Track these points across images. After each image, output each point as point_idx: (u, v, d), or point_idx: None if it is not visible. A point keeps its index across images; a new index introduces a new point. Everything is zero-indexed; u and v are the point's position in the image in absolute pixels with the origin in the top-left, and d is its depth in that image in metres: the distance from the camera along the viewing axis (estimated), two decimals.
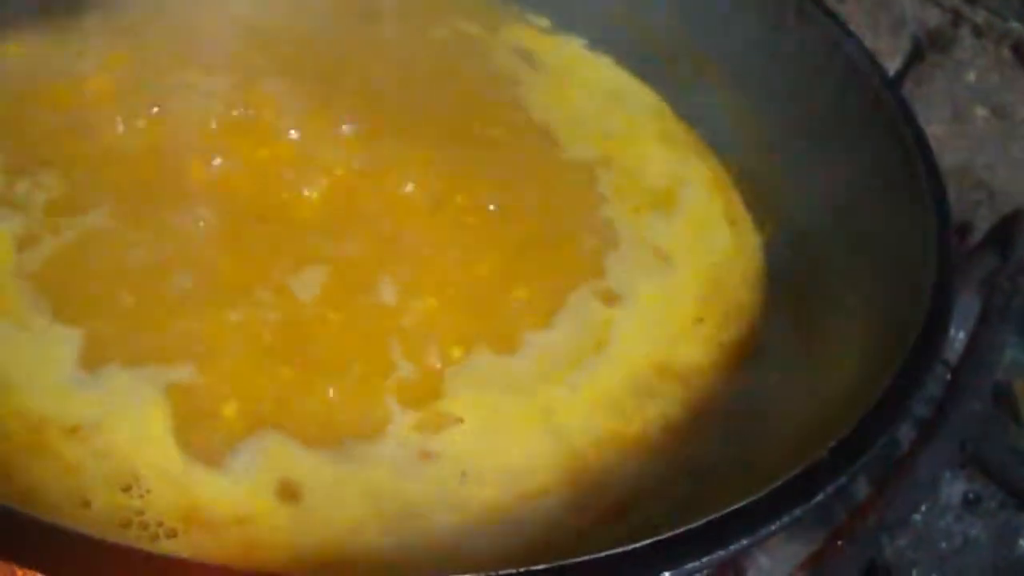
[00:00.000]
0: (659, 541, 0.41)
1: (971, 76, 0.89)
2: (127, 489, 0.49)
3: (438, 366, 0.57)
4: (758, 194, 0.70)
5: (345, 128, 0.65)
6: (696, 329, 0.63)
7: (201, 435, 0.53)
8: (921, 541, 0.95)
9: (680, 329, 0.63)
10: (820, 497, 0.45)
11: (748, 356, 0.62)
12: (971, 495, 0.96)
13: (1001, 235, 0.90)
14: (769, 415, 0.58)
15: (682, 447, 0.57)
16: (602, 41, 0.79)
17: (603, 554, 0.40)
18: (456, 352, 0.58)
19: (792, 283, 0.66)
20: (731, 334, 0.63)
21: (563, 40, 0.79)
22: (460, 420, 0.56)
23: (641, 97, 0.76)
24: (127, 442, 0.52)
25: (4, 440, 0.50)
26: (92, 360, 0.55)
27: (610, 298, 0.63)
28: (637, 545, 0.41)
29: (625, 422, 0.58)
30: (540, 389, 0.58)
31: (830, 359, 0.58)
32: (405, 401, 0.56)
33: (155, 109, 0.65)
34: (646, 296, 0.64)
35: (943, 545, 0.94)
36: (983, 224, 0.97)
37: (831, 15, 0.71)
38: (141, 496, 0.49)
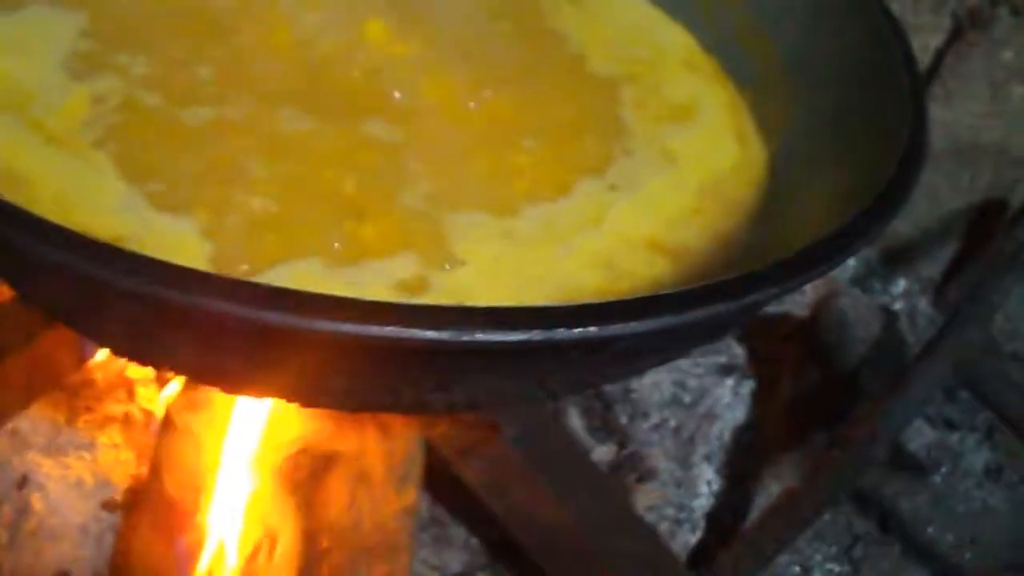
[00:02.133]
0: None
1: (1008, 55, 0.96)
2: None
3: (444, 220, 0.66)
4: (768, 114, 0.79)
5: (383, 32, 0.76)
6: (693, 218, 0.71)
7: (234, 257, 0.63)
8: (939, 501, 1.01)
9: (677, 215, 0.70)
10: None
11: (741, 247, 0.70)
12: (993, 465, 1.02)
13: None
14: None
15: None
16: None
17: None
18: (461, 209, 0.67)
19: (788, 191, 0.73)
20: (726, 226, 0.71)
21: None
22: (463, 262, 0.64)
23: (671, 32, 0.84)
24: (167, 257, 0.62)
25: None
26: (143, 196, 0.64)
27: (614, 186, 0.71)
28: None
29: (616, 281, 0.66)
30: (538, 245, 0.66)
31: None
32: (411, 242, 0.64)
33: None
34: (648, 186, 0.71)
35: (961, 508, 1.01)
36: (1019, 201, 1.04)
37: None
38: None
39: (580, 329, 0.48)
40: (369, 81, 0.73)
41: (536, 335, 0.48)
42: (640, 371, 0.90)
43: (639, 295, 0.64)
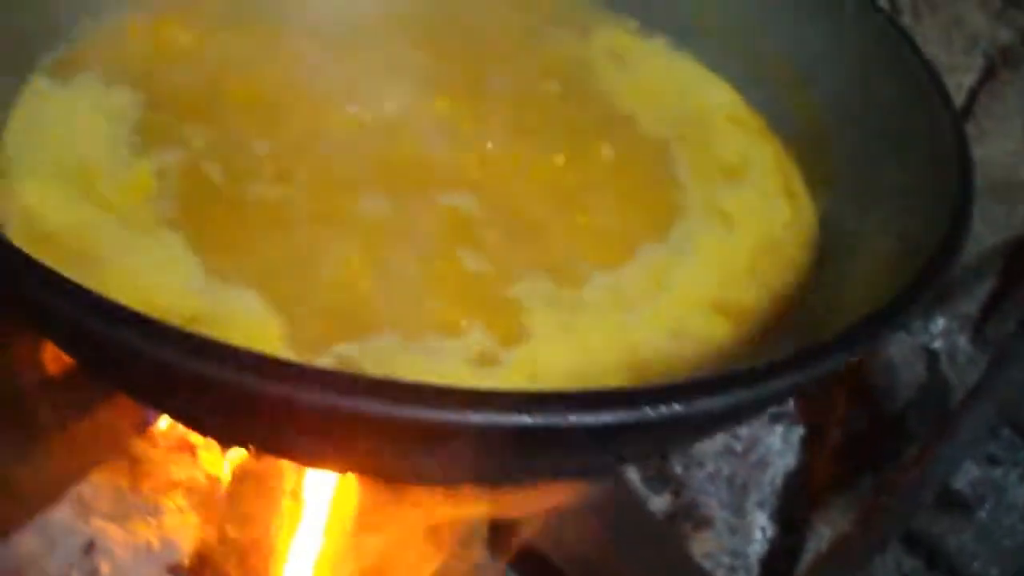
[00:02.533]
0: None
1: None
2: None
3: (514, 290, 0.68)
4: (815, 171, 0.81)
5: (442, 103, 0.78)
6: (749, 278, 0.73)
7: (309, 333, 0.64)
8: (984, 536, 1.03)
9: (734, 276, 0.72)
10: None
11: (797, 304, 0.72)
12: None
13: None
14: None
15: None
16: (684, 40, 0.90)
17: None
18: (530, 278, 0.69)
19: (839, 246, 0.76)
20: (782, 284, 0.73)
21: (648, 41, 0.90)
22: (532, 334, 0.66)
23: (716, 89, 0.87)
24: (241, 336, 0.62)
25: None
26: (214, 273, 0.66)
27: (674, 248, 0.73)
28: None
29: (681, 345, 0.68)
30: (604, 313, 0.68)
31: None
32: (482, 315, 0.66)
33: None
34: (706, 248, 0.74)
35: (1006, 542, 1.02)
36: None
37: (890, 19, 0.81)
38: None
39: (667, 408, 0.50)
40: (428, 154, 0.74)
41: (625, 416, 0.50)
42: (712, 435, 0.92)
43: (705, 360, 0.66)
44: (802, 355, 0.55)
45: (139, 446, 0.87)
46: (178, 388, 0.54)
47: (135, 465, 0.86)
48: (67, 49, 0.78)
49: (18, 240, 0.55)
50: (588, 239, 0.71)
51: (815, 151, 0.80)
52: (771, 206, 0.77)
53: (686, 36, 0.89)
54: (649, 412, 0.50)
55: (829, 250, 0.75)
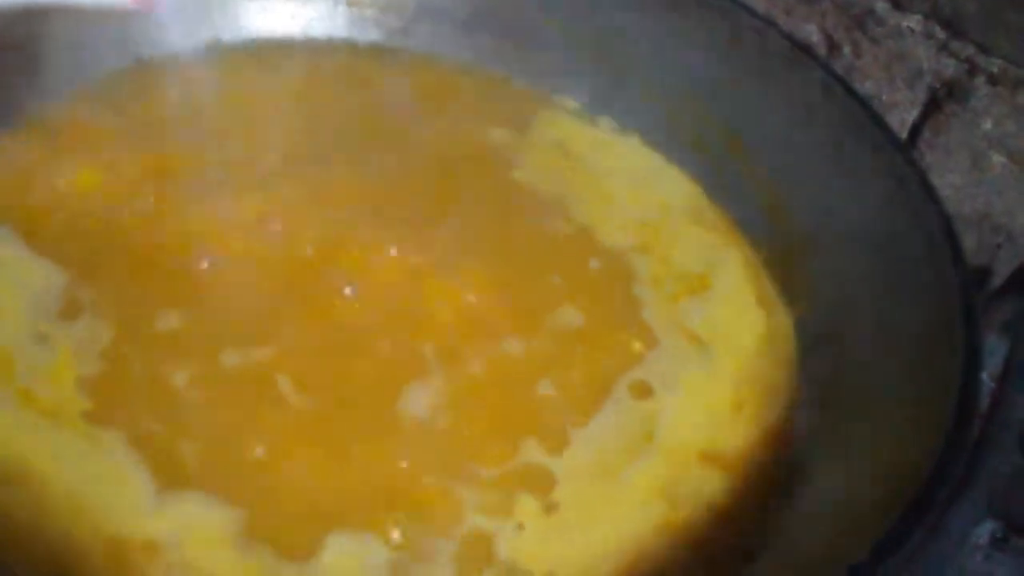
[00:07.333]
0: None
1: (987, 124, 0.98)
2: None
3: (495, 466, 0.66)
4: (787, 275, 0.79)
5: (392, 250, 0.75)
6: (736, 415, 0.72)
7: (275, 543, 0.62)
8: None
9: (721, 416, 0.72)
10: None
11: (787, 441, 0.71)
12: (999, 534, 1.04)
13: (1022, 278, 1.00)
14: (808, 500, 0.67)
15: (726, 533, 0.66)
16: (632, 122, 0.88)
17: None
18: (509, 452, 0.67)
19: (823, 362, 0.75)
20: (769, 419, 0.72)
21: (593, 123, 0.89)
22: (520, 526, 0.65)
23: (673, 179, 0.85)
24: (206, 556, 0.60)
25: (84, 560, 0.58)
26: (165, 483, 0.62)
27: (652, 389, 0.72)
28: None
29: (674, 510, 0.67)
30: (593, 483, 0.67)
31: (865, 442, 0.67)
32: (474, 508, 0.65)
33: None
34: (686, 385, 0.73)
35: None
36: (1003, 268, 1.06)
37: (857, 96, 0.80)
38: None
39: None
40: (374, 298, 0.73)
41: None
42: None
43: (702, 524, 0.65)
44: None
45: None
46: None
47: None
48: None
49: None
50: (562, 390, 0.70)
51: (785, 252, 0.79)
52: (744, 318, 0.78)
53: (632, 115, 0.86)
54: None
55: (814, 373, 0.73)
